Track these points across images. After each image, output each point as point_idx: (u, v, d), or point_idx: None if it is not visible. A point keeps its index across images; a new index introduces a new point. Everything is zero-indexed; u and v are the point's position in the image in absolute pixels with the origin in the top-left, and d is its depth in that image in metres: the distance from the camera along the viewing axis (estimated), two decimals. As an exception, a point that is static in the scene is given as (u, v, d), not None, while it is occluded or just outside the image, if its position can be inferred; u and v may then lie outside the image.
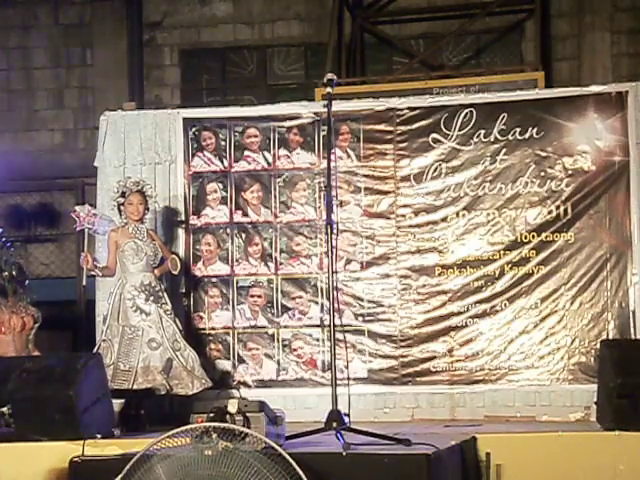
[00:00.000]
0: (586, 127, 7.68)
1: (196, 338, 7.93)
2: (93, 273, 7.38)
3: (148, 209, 7.46)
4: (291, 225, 8.03)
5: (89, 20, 12.65)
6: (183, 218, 8.08)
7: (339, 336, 5.99)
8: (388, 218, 7.90)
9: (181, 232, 8.08)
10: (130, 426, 6.71)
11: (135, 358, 7.12)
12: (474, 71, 11.20)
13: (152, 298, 7.26)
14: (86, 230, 7.42)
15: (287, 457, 4.20)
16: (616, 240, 7.61)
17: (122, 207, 7.39)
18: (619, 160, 7.63)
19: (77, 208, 7.57)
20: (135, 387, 7.08)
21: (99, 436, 5.93)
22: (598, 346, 6.94)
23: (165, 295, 7.36)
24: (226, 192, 8.11)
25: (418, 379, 7.73)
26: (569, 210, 7.68)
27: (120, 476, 4.28)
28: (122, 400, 7.00)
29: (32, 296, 7.98)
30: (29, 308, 7.83)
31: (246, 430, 4.37)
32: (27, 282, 7.98)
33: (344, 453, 4.85)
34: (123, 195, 7.39)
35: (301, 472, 4.18)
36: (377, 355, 7.79)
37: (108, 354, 7.13)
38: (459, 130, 7.85)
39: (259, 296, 8.00)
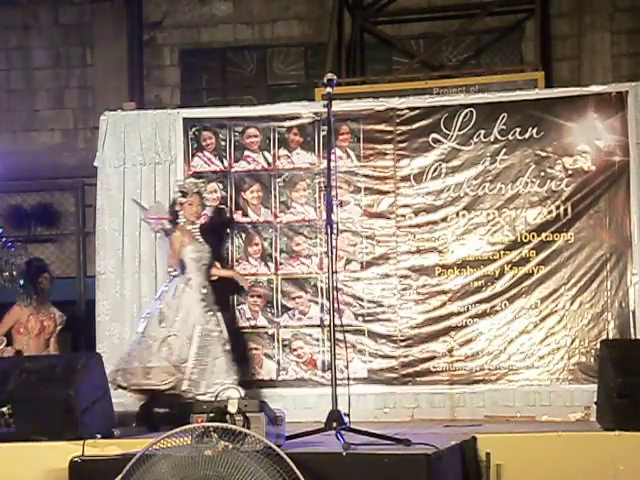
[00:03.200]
0: (586, 127, 7.67)
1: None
2: (175, 273, 7.38)
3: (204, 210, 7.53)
4: (291, 225, 8.02)
5: (89, 20, 12.65)
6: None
7: (339, 336, 5.99)
8: (388, 218, 7.90)
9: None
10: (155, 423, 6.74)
11: (210, 361, 7.15)
12: (474, 71, 11.20)
13: (214, 299, 7.33)
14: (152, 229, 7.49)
15: (285, 457, 4.20)
16: (616, 240, 7.61)
17: (181, 207, 7.40)
18: (619, 160, 7.63)
19: (148, 212, 7.58)
20: (210, 390, 7.06)
21: (99, 436, 5.93)
22: (598, 346, 6.94)
23: None
24: (226, 192, 8.10)
25: (418, 379, 7.73)
26: (569, 210, 7.68)
27: (120, 476, 4.28)
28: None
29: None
30: (52, 311, 7.81)
31: (245, 430, 4.37)
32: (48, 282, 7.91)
33: (344, 453, 4.84)
34: (184, 195, 7.41)
35: (298, 472, 4.18)
36: (377, 355, 7.79)
37: (176, 350, 7.12)
38: (459, 130, 7.84)
39: (259, 296, 7.99)
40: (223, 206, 8.03)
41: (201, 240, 7.45)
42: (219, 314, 7.37)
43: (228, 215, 8.03)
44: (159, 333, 7.21)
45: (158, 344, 7.18)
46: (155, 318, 7.29)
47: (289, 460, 4.18)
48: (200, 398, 6.98)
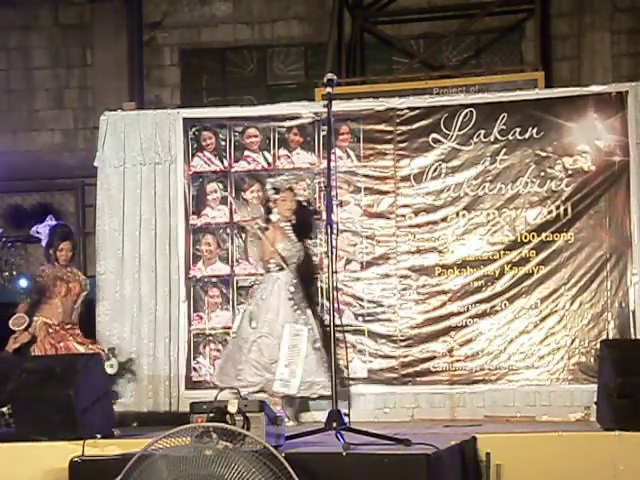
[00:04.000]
0: (586, 127, 7.67)
1: (196, 338, 7.94)
2: (275, 268, 7.36)
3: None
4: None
5: (89, 20, 12.65)
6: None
7: (339, 336, 5.99)
8: (388, 218, 7.90)
9: (181, 232, 8.07)
10: None
11: (300, 360, 7.14)
12: (474, 71, 11.20)
13: (302, 297, 7.33)
14: None
15: (280, 458, 4.19)
16: (616, 240, 7.61)
17: (274, 204, 7.42)
18: (619, 160, 7.63)
19: (243, 214, 7.60)
20: (299, 393, 7.11)
21: (99, 436, 5.93)
22: (598, 346, 6.94)
23: None
24: (226, 192, 8.10)
25: (418, 379, 7.72)
26: (569, 210, 7.67)
27: (120, 476, 4.28)
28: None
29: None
30: (76, 273, 7.74)
31: (241, 431, 4.36)
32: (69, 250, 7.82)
33: (344, 453, 4.84)
34: (277, 192, 7.42)
35: (293, 472, 4.17)
36: (377, 355, 7.78)
37: (266, 350, 7.15)
38: (459, 130, 7.84)
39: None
40: (306, 204, 7.93)
41: (293, 238, 7.46)
42: (308, 311, 7.39)
43: (312, 212, 7.97)
44: (249, 334, 7.23)
45: (249, 345, 7.21)
46: (245, 319, 7.33)
47: (284, 461, 4.17)
48: (293, 396, 7.14)
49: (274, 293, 7.29)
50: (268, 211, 7.47)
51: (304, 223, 7.75)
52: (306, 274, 7.62)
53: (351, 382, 7.37)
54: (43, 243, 7.73)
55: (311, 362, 7.18)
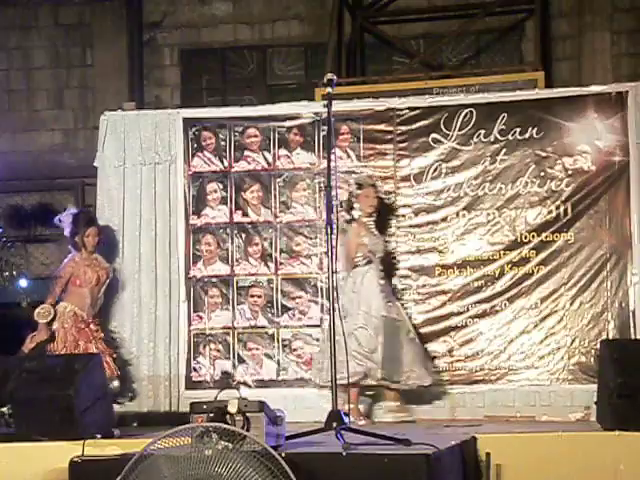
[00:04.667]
0: (586, 127, 7.67)
1: (196, 338, 7.94)
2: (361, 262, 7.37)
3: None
4: (291, 225, 8.03)
5: (89, 20, 12.64)
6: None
7: (339, 336, 5.98)
8: (389, 218, 7.89)
9: (181, 232, 8.08)
10: None
11: (397, 350, 7.18)
12: (474, 71, 11.20)
13: (391, 289, 7.41)
14: None
15: (279, 458, 4.19)
16: (616, 240, 7.60)
17: (356, 199, 7.43)
18: (619, 160, 7.63)
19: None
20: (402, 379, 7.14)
21: (99, 436, 5.93)
22: (598, 346, 6.94)
23: None
24: (226, 192, 8.10)
25: (418, 379, 7.71)
26: (569, 210, 7.67)
27: (120, 476, 4.28)
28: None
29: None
30: (101, 261, 7.71)
31: (240, 430, 4.36)
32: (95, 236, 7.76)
33: (344, 453, 4.84)
34: (360, 187, 7.44)
35: (290, 472, 4.17)
36: (377, 355, 7.77)
37: (363, 342, 7.16)
38: (459, 130, 7.84)
39: (259, 296, 7.99)
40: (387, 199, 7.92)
41: (376, 232, 7.49)
42: (398, 303, 7.45)
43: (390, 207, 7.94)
44: (345, 328, 7.23)
45: (345, 338, 7.19)
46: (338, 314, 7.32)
47: (282, 461, 4.17)
48: (393, 387, 7.20)
49: (365, 286, 7.32)
50: (350, 207, 7.47)
51: (385, 218, 7.76)
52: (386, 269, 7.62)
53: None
54: (66, 232, 7.68)
55: (407, 352, 7.24)
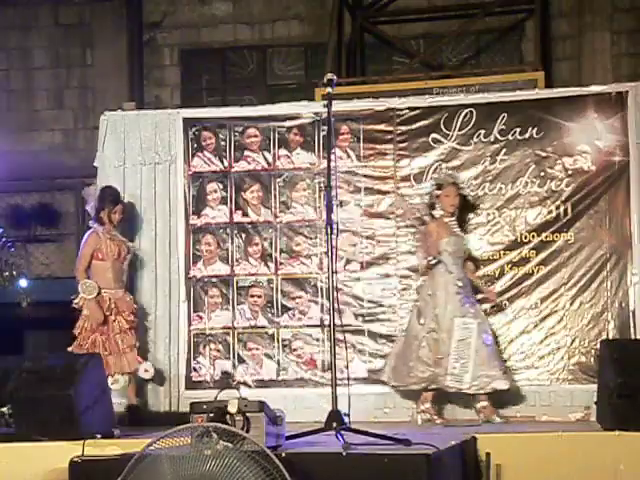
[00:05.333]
0: (586, 127, 7.67)
1: (196, 338, 7.94)
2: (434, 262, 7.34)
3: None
4: (291, 225, 8.02)
5: (89, 20, 12.67)
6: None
7: (339, 336, 5.98)
8: (388, 218, 7.89)
9: (181, 232, 8.07)
10: None
11: (472, 353, 7.12)
12: (474, 71, 11.20)
13: (470, 290, 7.33)
14: None
15: (274, 458, 4.19)
16: (616, 240, 7.60)
17: (437, 199, 7.41)
18: (619, 160, 7.63)
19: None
20: (474, 383, 7.09)
21: (99, 436, 5.93)
22: (598, 346, 6.94)
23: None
24: (226, 192, 8.10)
25: (418, 379, 7.71)
26: (569, 210, 7.67)
27: (120, 477, 4.28)
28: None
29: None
30: (122, 238, 7.71)
31: (237, 431, 4.36)
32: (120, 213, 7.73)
33: (344, 453, 4.84)
34: (440, 187, 7.41)
35: (286, 473, 4.17)
36: (377, 355, 7.77)
37: (435, 346, 7.15)
38: (459, 130, 7.84)
39: (259, 296, 7.99)
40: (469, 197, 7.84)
41: (459, 233, 7.45)
42: (478, 305, 7.38)
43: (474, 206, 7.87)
44: (418, 331, 7.25)
45: (418, 342, 7.21)
46: (414, 315, 7.34)
47: (278, 462, 4.17)
48: (465, 391, 7.13)
49: (441, 288, 7.28)
50: (431, 207, 7.47)
51: (466, 217, 7.71)
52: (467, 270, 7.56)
53: (351, 382, 7.38)
54: (89, 207, 7.70)
55: (482, 356, 7.17)
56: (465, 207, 7.65)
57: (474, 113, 7.83)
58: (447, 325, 7.19)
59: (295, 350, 7.90)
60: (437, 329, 7.20)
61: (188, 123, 8.16)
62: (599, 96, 7.71)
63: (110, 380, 7.19)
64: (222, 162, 8.14)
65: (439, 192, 7.42)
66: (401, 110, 7.96)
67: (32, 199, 12.26)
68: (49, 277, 11.87)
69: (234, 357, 7.97)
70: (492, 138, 7.80)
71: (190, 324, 8.00)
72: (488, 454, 5.65)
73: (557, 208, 7.68)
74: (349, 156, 7.98)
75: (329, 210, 5.60)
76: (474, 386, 7.12)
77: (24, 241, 11.79)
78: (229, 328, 7.96)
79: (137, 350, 7.56)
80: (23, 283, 10.89)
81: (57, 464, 5.40)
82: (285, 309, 7.95)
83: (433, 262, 7.31)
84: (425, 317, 7.26)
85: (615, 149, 7.62)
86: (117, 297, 7.55)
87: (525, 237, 7.73)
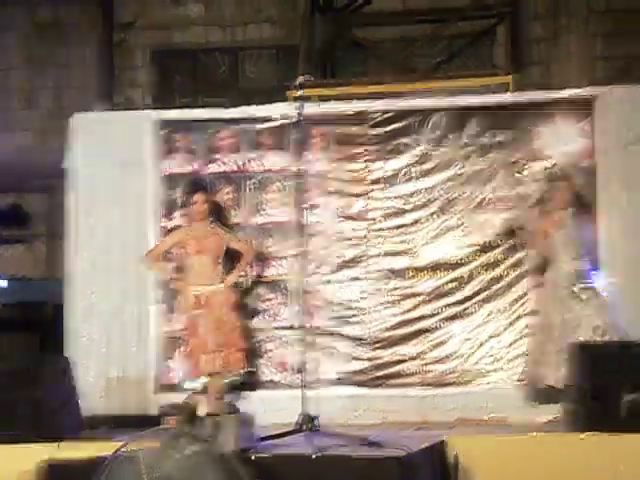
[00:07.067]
0: (555, 131, 7.71)
1: (166, 340, 7.91)
2: None
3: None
4: (263, 227, 8.01)
5: (62, 21, 12.59)
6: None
7: (310, 339, 5.98)
8: (360, 221, 7.90)
9: (152, 234, 8.03)
10: None
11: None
12: (446, 75, 11.23)
13: (587, 285, 7.23)
14: None
15: (236, 461, 4.19)
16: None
17: (547, 195, 7.39)
18: (588, 164, 7.67)
19: None
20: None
21: (67, 439, 5.89)
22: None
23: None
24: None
25: (389, 382, 7.73)
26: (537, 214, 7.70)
27: None
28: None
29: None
30: (214, 230, 7.47)
31: (204, 434, 4.36)
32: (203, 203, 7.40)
33: (314, 456, 4.84)
34: (551, 182, 7.41)
35: (247, 477, 4.17)
36: (348, 358, 7.78)
37: (530, 347, 7.17)
38: (430, 134, 7.87)
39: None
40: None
41: (571, 229, 7.33)
42: (583, 304, 7.22)
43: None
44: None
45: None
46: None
47: (240, 464, 4.17)
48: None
49: (559, 284, 7.22)
50: (542, 203, 7.44)
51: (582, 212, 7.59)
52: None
53: (322, 384, 7.37)
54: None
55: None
56: (579, 203, 7.54)
57: (445, 117, 7.86)
58: (545, 324, 7.20)
59: (266, 352, 7.88)
60: (532, 329, 7.26)
61: (159, 125, 8.13)
62: (569, 100, 7.75)
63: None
64: (193, 164, 8.11)
65: (550, 187, 7.40)
66: (373, 113, 7.97)
67: (2, 200, 12.17)
68: (15, 278, 11.78)
69: (205, 359, 7.92)
70: (462, 142, 7.82)
71: (161, 326, 7.97)
72: (459, 457, 5.66)
73: (526, 212, 7.71)
74: (321, 159, 7.98)
75: (301, 213, 5.59)
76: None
77: (-1, 242, 11.71)
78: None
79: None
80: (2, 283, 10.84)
81: (26, 467, 5.38)
82: (257, 311, 7.93)
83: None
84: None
85: (584, 153, 7.67)
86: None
87: (495, 241, 7.76)
